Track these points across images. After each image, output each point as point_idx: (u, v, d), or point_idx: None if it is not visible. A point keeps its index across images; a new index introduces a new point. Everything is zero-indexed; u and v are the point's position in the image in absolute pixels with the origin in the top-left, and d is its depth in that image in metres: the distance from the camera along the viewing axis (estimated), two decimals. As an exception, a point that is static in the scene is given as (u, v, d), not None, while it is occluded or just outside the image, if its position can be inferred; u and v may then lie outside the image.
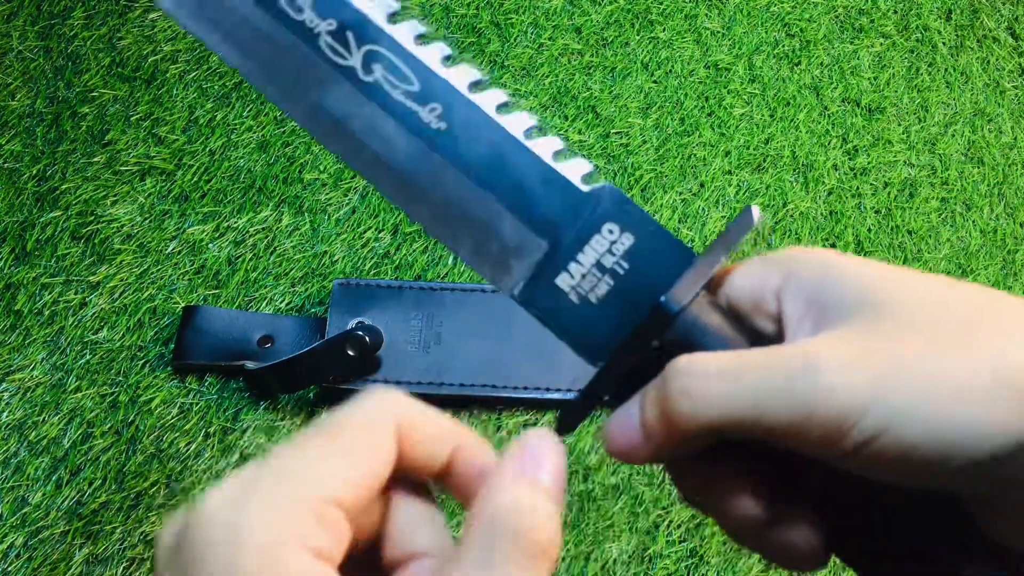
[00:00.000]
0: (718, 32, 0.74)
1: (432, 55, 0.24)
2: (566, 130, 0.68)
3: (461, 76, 0.24)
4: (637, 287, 0.24)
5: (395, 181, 0.25)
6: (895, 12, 0.78)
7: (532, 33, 0.72)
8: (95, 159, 0.63)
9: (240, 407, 0.57)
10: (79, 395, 0.56)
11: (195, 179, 0.63)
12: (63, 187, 0.62)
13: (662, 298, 0.23)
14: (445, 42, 0.25)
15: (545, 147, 0.24)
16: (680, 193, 0.67)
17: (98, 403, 0.56)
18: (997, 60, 0.77)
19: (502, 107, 0.25)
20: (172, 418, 0.56)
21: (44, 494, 0.54)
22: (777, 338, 0.23)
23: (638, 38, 0.73)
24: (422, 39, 0.24)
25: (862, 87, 0.74)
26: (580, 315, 0.24)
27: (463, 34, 0.71)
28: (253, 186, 0.63)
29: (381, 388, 0.21)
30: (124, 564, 0.52)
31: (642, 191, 0.66)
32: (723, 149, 0.69)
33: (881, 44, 0.76)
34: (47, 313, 0.58)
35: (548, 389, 0.57)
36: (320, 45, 0.24)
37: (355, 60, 0.24)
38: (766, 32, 0.74)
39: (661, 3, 0.74)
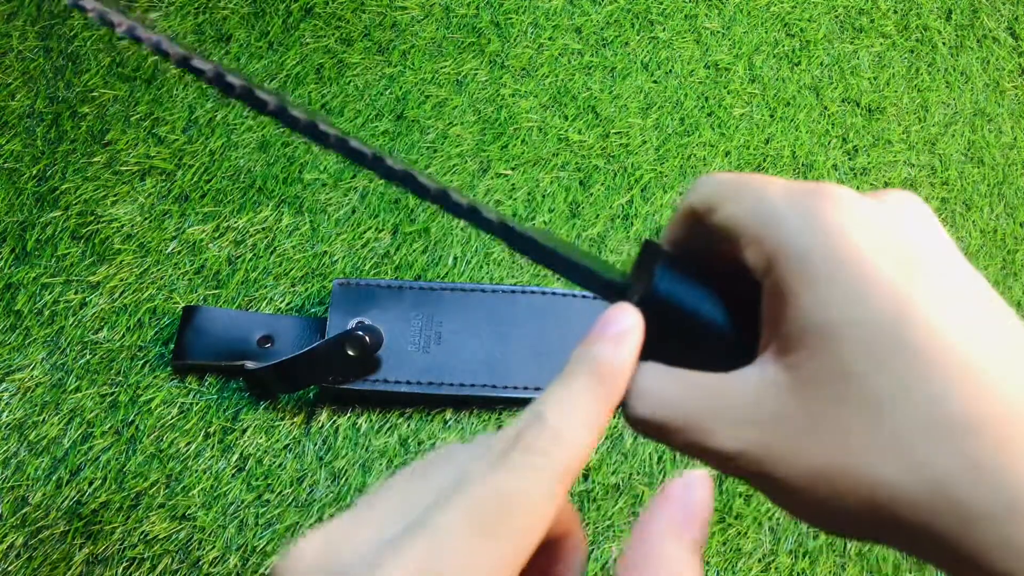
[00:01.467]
0: (718, 32, 0.74)
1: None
2: (566, 130, 0.68)
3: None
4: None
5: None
6: (895, 12, 0.78)
7: (532, 33, 0.72)
8: (95, 159, 0.63)
9: (240, 407, 0.57)
10: (79, 395, 0.56)
11: (195, 179, 0.63)
12: (63, 187, 0.62)
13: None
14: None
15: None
16: (680, 193, 0.67)
17: (98, 403, 0.56)
18: (997, 60, 0.77)
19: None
20: (172, 418, 0.56)
21: (44, 494, 0.54)
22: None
23: (638, 38, 0.73)
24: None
25: (862, 87, 0.74)
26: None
27: (463, 34, 0.71)
28: (253, 186, 0.63)
29: (540, 432, 0.21)
30: (124, 564, 0.52)
31: (642, 191, 0.66)
32: (723, 149, 0.69)
33: (881, 44, 0.76)
34: (47, 313, 0.58)
35: (548, 389, 0.57)
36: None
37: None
38: (766, 32, 0.74)
39: (661, 3, 0.74)
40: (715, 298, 0.24)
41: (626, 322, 0.23)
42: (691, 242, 0.26)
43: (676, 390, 0.22)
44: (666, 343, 0.24)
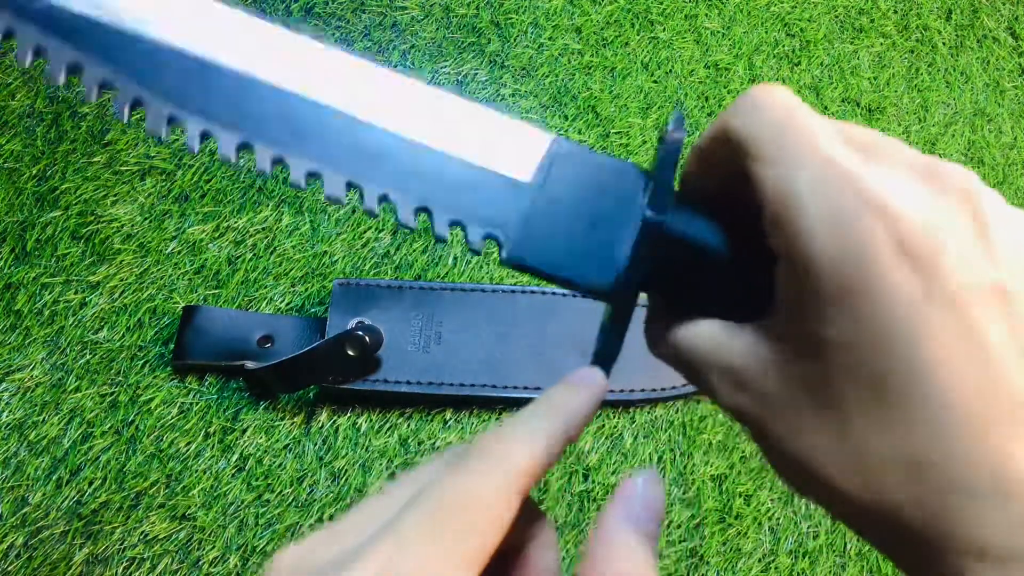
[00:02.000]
0: (718, 32, 0.74)
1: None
2: (566, 130, 0.68)
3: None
4: (606, 212, 0.26)
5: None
6: (895, 12, 0.78)
7: (532, 33, 0.72)
8: (95, 159, 0.63)
9: (240, 407, 0.57)
10: (79, 395, 0.56)
11: (195, 179, 0.63)
12: (63, 187, 0.62)
13: (647, 213, 0.24)
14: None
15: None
16: (680, 193, 0.67)
17: (98, 403, 0.56)
18: (997, 60, 0.77)
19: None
20: (172, 418, 0.56)
21: (44, 494, 0.54)
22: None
23: (638, 38, 0.73)
24: None
25: (862, 87, 0.74)
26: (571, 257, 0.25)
27: (463, 34, 0.71)
28: (253, 186, 0.63)
29: (495, 442, 0.23)
30: (124, 564, 0.52)
31: (642, 191, 0.66)
32: (723, 149, 0.69)
33: (881, 44, 0.76)
34: (47, 313, 0.58)
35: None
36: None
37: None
38: (766, 32, 0.74)
39: (661, 3, 0.74)
40: (724, 239, 0.25)
41: (589, 379, 0.25)
42: (712, 169, 0.25)
43: (685, 336, 0.24)
44: (672, 282, 0.25)
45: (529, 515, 0.24)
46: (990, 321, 0.18)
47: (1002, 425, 0.18)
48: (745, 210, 0.24)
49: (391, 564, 0.20)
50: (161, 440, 0.55)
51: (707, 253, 0.24)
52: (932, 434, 0.19)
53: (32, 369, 0.57)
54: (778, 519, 0.57)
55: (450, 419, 0.58)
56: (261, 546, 0.53)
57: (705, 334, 0.23)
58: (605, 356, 0.26)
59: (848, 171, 0.20)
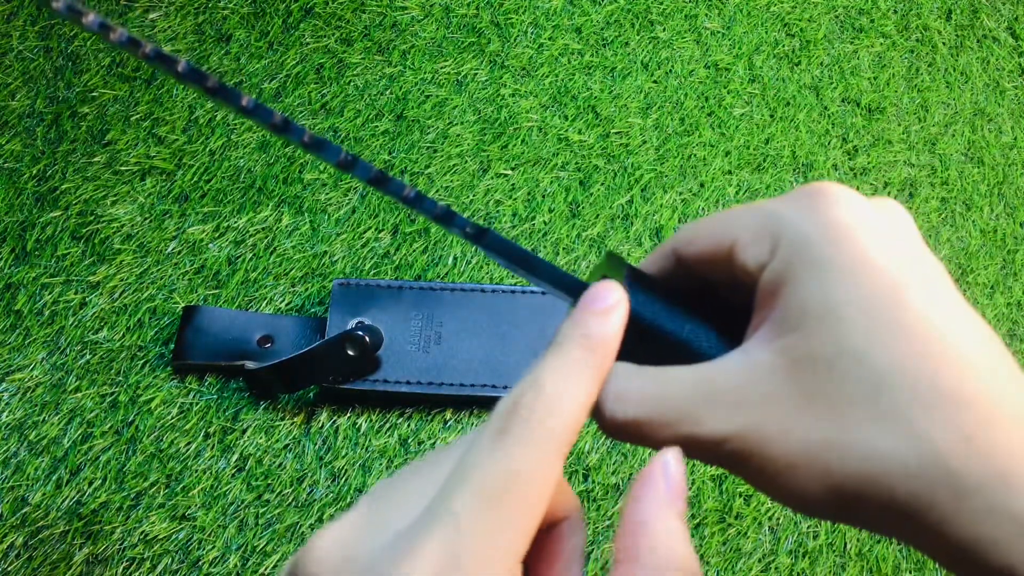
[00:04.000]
0: (718, 32, 0.74)
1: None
2: (566, 130, 0.68)
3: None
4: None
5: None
6: (895, 12, 0.78)
7: (532, 33, 0.72)
8: (95, 159, 0.63)
9: (240, 407, 0.57)
10: (79, 395, 0.56)
11: (195, 179, 0.63)
12: (63, 187, 0.62)
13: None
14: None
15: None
16: (680, 193, 0.67)
17: (98, 403, 0.56)
18: (997, 60, 0.77)
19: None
20: (172, 418, 0.56)
21: (44, 494, 0.54)
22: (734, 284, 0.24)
23: (638, 38, 0.73)
24: None
25: (862, 87, 0.74)
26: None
27: (463, 34, 0.71)
28: (253, 186, 0.63)
29: (535, 402, 0.22)
30: (124, 564, 0.52)
31: (642, 191, 0.66)
32: (723, 149, 0.69)
33: (881, 44, 0.76)
34: (47, 313, 0.58)
35: (548, 389, 0.57)
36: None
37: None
38: (766, 32, 0.74)
39: (661, 3, 0.74)
40: (680, 306, 0.25)
41: (612, 297, 0.24)
42: (665, 273, 0.27)
43: (655, 386, 0.23)
44: (633, 350, 0.24)
45: (562, 491, 0.24)
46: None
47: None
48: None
49: (450, 550, 0.19)
50: (161, 440, 0.55)
51: (667, 323, 0.25)
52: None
53: (32, 369, 0.57)
54: (778, 519, 0.57)
55: (450, 419, 0.58)
56: (261, 546, 0.53)
57: (677, 377, 0.23)
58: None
59: (799, 188, 0.24)
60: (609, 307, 0.23)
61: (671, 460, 0.22)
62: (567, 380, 0.22)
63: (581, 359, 0.22)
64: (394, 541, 0.20)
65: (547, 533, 0.24)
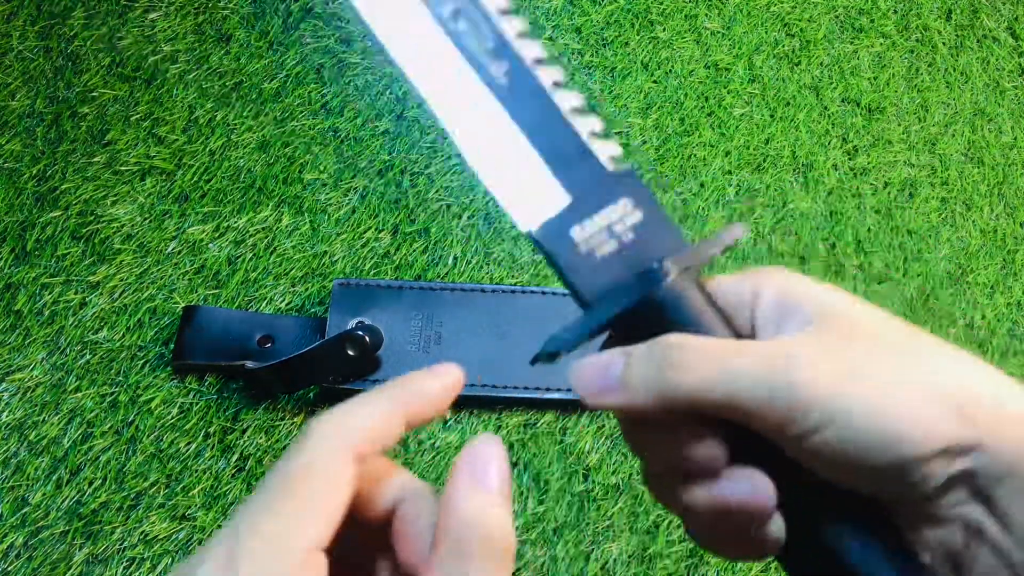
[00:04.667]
0: (718, 32, 0.74)
1: (511, 26, 0.28)
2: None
3: (530, 50, 0.28)
4: (637, 255, 0.27)
5: (456, 115, 0.28)
6: (895, 12, 0.78)
7: (532, 33, 0.72)
8: (95, 159, 0.63)
9: (240, 407, 0.57)
10: (79, 395, 0.56)
11: (195, 179, 0.63)
12: (63, 187, 0.62)
13: (654, 264, 0.26)
14: (524, 18, 0.29)
15: (585, 126, 0.28)
16: (680, 193, 0.67)
17: (98, 403, 0.56)
18: (997, 60, 0.77)
19: (558, 84, 0.28)
20: (172, 418, 0.56)
21: (44, 494, 0.54)
22: (749, 337, 0.26)
23: (638, 38, 0.73)
24: (506, 12, 0.28)
25: (862, 87, 0.74)
26: (582, 265, 0.27)
27: (463, 34, 0.71)
28: (253, 186, 0.63)
29: (330, 417, 0.24)
30: (124, 564, 0.52)
31: (642, 191, 0.66)
32: (723, 149, 0.69)
33: (881, 44, 0.76)
34: (47, 313, 0.58)
35: (548, 389, 0.57)
36: None
37: (447, 9, 0.28)
38: (766, 32, 0.74)
39: (661, 3, 0.74)
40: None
41: (446, 371, 0.27)
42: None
43: (724, 353, 0.24)
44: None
45: (394, 478, 0.26)
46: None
47: None
48: None
49: (230, 553, 0.21)
50: (161, 440, 0.55)
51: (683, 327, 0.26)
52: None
53: (32, 369, 0.57)
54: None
55: (450, 419, 0.58)
56: (261, 546, 0.53)
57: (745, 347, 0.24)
58: (551, 350, 0.27)
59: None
60: (436, 377, 0.27)
61: (484, 441, 0.24)
62: (362, 407, 0.25)
63: (383, 399, 0.25)
64: (189, 563, 0.22)
65: (396, 517, 0.25)
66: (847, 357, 0.22)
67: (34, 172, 0.62)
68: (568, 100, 0.28)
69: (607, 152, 0.28)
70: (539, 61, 0.28)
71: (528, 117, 0.28)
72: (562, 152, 0.28)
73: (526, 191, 0.28)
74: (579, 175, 0.28)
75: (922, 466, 0.21)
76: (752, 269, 0.27)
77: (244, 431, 0.56)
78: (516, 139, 0.28)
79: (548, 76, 0.28)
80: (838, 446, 0.22)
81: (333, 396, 0.57)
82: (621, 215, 0.27)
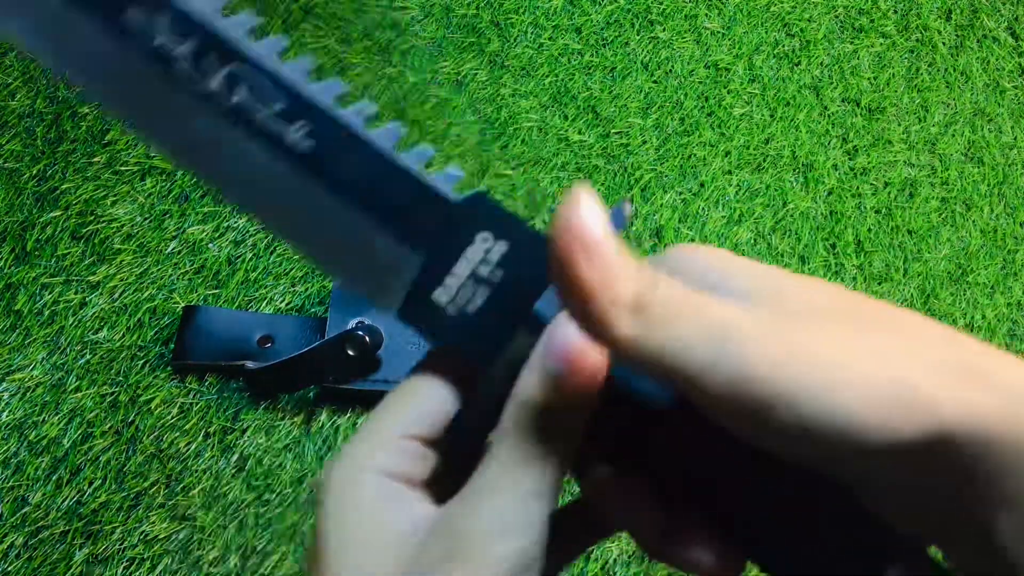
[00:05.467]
0: (718, 32, 0.74)
1: (297, 70, 0.24)
2: (566, 130, 0.68)
3: (327, 90, 0.24)
4: (513, 293, 0.23)
5: (266, 206, 0.24)
6: (895, 12, 0.78)
7: (532, 33, 0.72)
8: (95, 159, 0.63)
9: (240, 407, 0.57)
10: (79, 395, 0.56)
11: (195, 179, 0.63)
12: (63, 187, 0.62)
13: (536, 306, 0.22)
14: (310, 55, 0.24)
15: (416, 157, 0.24)
16: (680, 193, 0.67)
17: (98, 403, 0.56)
18: (997, 60, 0.77)
19: (371, 119, 0.24)
20: (172, 418, 0.56)
21: (44, 494, 0.54)
22: None
23: (638, 38, 0.73)
24: (285, 54, 0.24)
25: (862, 87, 0.74)
26: (459, 327, 0.24)
27: (463, 34, 0.71)
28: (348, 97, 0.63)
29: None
30: (124, 564, 0.52)
31: (642, 191, 0.66)
32: (723, 149, 0.69)
33: (881, 44, 0.76)
34: (47, 313, 0.58)
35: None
36: (178, 70, 0.23)
37: (217, 83, 0.23)
38: (766, 32, 0.74)
39: (661, 3, 0.74)
40: None
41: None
42: None
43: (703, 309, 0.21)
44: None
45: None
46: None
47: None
48: None
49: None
50: (161, 440, 0.55)
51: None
52: None
53: (32, 369, 0.57)
54: (778, 519, 0.57)
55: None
56: (261, 546, 0.53)
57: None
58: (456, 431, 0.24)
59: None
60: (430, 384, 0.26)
61: (559, 322, 0.22)
62: (366, 432, 0.24)
63: (385, 423, 0.25)
64: None
65: None
66: (789, 335, 0.19)
67: (34, 172, 0.62)
68: (387, 136, 0.24)
69: (447, 181, 0.24)
70: (341, 98, 0.24)
71: (347, 179, 0.23)
72: (398, 203, 0.23)
73: (372, 272, 0.24)
74: (424, 223, 0.23)
75: (876, 456, 0.19)
76: (667, 250, 0.23)
77: (244, 431, 0.56)
78: (340, 213, 0.24)
79: (358, 115, 0.24)
80: (780, 428, 0.19)
81: (333, 396, 0.57)
82: (483, 254, 0.23)
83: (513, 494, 0.21)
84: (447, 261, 0.23)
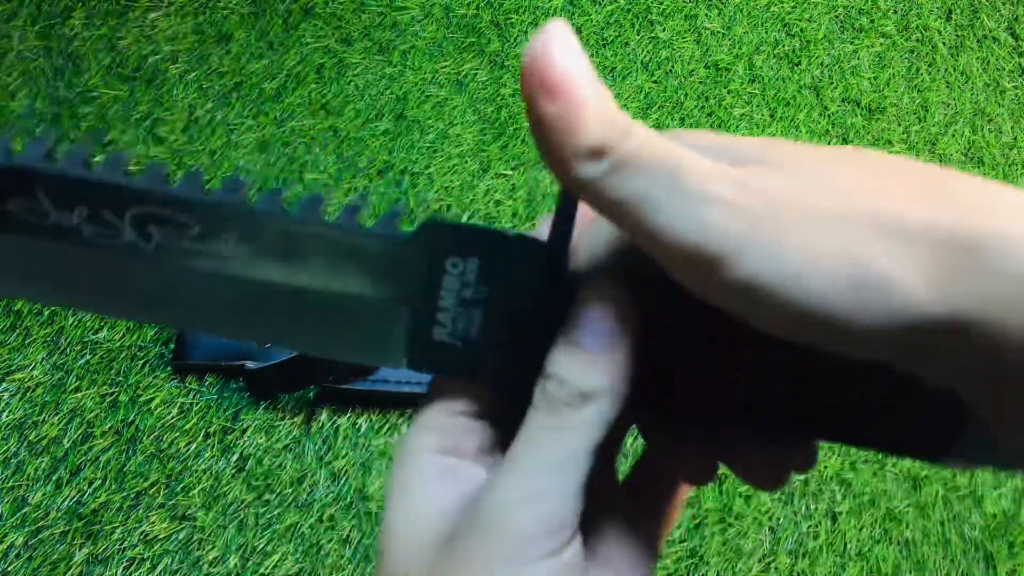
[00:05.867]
0: (718, 32, 0.74)
1: (194, 183, 0.23)
2: (566, 130, 0.68)
3: (232, 188, 0.23)
4: (506, 301, 0.23)
5: (230, 323, 0.24)
6: (895, 12, 0.78)
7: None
8: (95, 159, 0.63)
9: (240, 407, 0.57)
10: (79, 395, 0.56)
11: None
12: (63, 187, 0.62)
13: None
14: (195, 167, 0.23)
15: (350, 215, 0.23)
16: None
17: (98, 403, 0.56)
18: (997, 60, 0.77)
19: (284, 201, 0.23)
20: (172, 418, 0.56)
21: (44, 494, 0.54)
22: None
23: (638, 38, 0.73)
24: (171, 178, 0.23)
25: (862, 87, 0.74)
26: (472, 354, 0.23)
27: (463, 34, 0.71)
28: (253, 186, 0.63)
29: None
30: (124, 564, 0.52)
31: (642, 191, 0.66)
32: (723, 149, 0.69)
33: (881, 44, 0.76)
34: (47, 313, 0.58)
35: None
36: (88, 236, 0.23)
37: (129, 233, 0.23)
38: (766, 32, 0.74)
39: (661, 3, 0.74)
40: None
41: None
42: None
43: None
44: None
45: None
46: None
47: None
48: None
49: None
50: (161, 440, 0.55)
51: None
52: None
53: (32, 369, 0.57)
54: (778, 519, 0.57)
55: (450, 419, 0.58)
56: (261, 546, 0.53)
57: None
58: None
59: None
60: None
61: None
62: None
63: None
64: None
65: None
66: (765, 194, 0.18)
67: (34, 172, 0.62)
68: (312, 205, 0.23)
69: (390, 221, 0.24)
70: (249, 189, 0.23)
71: (296, 267, 0.23)
72: (357, 269, 0.23)
73: (370, 341, 0.24)
74: (389, 274, 0.23)
75: (852, 339, 0.18)
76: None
77: (244, 431, 0.56)
78: (308, 302, 0.23)
79: (273, 200, 0.23)
80: (728, 292, 0.18)
81: (333, 396, 0.57)
82: (460, 279, 0.23)
83: (532, 464, 0.21)
84: (431, 299, 0.23)
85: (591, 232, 0.23)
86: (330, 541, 0.54)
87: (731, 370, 0.23)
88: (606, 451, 0.23)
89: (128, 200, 0.23)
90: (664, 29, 0.73)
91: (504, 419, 0.23)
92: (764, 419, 0.23)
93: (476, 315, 0.23)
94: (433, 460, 0.23)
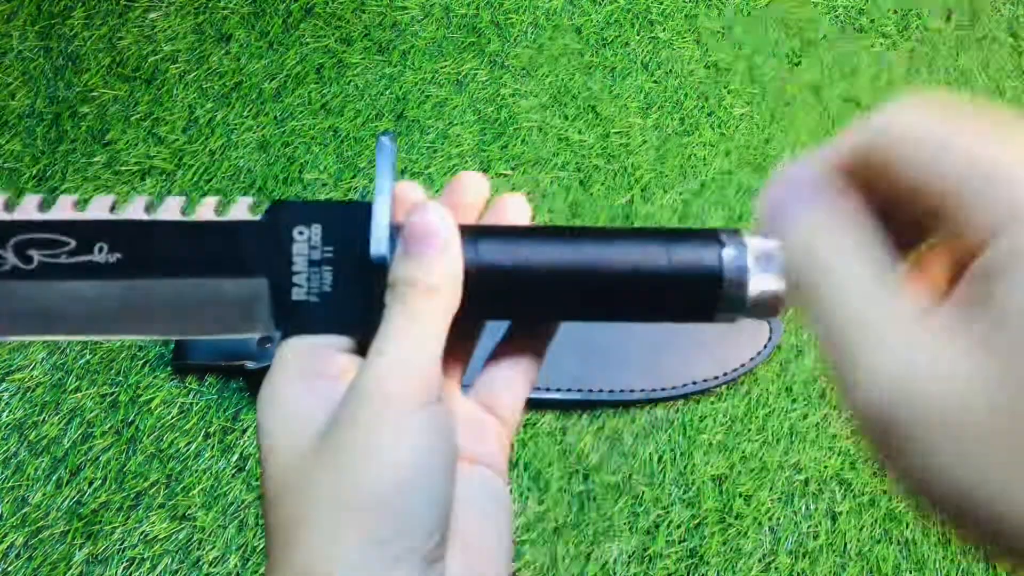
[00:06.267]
0: (718, 32, 0.74)
1: (65, 207, 0.26)
2: (566, 130, 0.68)
3: (99, 207, 0.26)
4: (349, 255, 0.26)
5: (108, 324, 0.26)
6: (895, 12, 0.78)
7: (532, 33, 0.72)
8: (95, 159, 0.63)
9: (240, 407, 0.57)
10: (79, 395, 0.56)
11: (195, 179, 0.63)
12: (63, 187, 0.62)
13: (372, 253, 0.26)
14: (70, 192, 0.26)
15: (206, 209, 0.27)
16: (680, 193, 0.67)
17: (98, 403, 0.56)
18: (997, 60, 0.77)
19: (150, 207, 0.27)
20: (172, 418, 0.56)
21: (44, 494, 0.54)
22: None
23: (638, 38, 0.73)
24: (46, 204, 0.26)
25: (862, 87, 0.74)
26: (330, 307, 0.26)
27: (463, 34, 0.71)
28: (253, 186, 0.63)
29: None
30: (124, 564, 0.52)
31: (642, 191, 0.66)
32: (723, 149, 0.69)
33: (881, 44, 0.76)
34: (47, 313, 0.58)
35: (548, 389, 0.57)
36: None
37: (11, 257, 0.25)
38: (766, 32, 0.75)
39: (661, 3, 0.74)
40: None
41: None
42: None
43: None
44: None
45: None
46: None
47: None
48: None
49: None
50: (161, 440, 0.55)
51: None
52: None
53: (32, 369, 0.57)
54: (778, 519, 0.57)
55: (450, 419, 0.58)
56: (261, 546, 0.53)
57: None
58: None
59: None
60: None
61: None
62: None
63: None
64: None
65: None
66: None
67: (34, 172, 0.62)
68: (173, 207, 0.26)
69: (242, 210, 0.27)
70: (113, 208, 0.26)
71: (164, 262, 0.26)
72: (216, 255, 0.26)
73: (239, 316, 0.27)
74: (247, 252, 0.26)
75: None
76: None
77: (244, 431, 0.56)
78: (181, 290, 0.26)
79: (136, 206, 0.26)
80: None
81: (333, 396, 0.57)
82: (307, 243, 0.26)
83: (398, 345, 0.25)
84: (285, 266, 0.26)
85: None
86: (330, 541, 0.54)
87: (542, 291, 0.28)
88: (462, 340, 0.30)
89: (9, 231, 0.26)
90: (664, 29, 0.73)
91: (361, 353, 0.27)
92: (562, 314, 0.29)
93: (327, 272, 0.26)
94: (300, 373, 0.26)
